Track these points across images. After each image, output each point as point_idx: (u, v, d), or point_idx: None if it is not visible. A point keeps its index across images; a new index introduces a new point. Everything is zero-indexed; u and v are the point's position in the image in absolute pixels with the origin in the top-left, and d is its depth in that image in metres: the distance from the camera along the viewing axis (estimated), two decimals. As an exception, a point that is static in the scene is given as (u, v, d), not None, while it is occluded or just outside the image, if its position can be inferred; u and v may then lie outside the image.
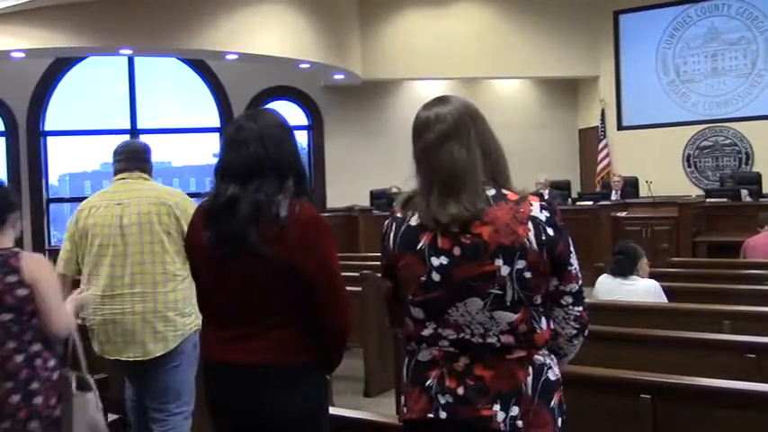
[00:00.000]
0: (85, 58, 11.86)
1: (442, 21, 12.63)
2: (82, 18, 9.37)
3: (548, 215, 1.84)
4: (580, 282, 1.91)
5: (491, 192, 1.85)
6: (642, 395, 2.85)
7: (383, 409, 4.53)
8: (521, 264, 1.80)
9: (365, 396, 5.60)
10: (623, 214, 10.05)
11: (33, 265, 2.82)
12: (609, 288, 4.70)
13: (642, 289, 4.63)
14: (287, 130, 2.21)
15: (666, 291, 4.70)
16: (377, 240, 2.04)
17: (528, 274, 1.81)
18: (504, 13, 12.94)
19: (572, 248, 1.89)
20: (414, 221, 1.89)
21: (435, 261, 1.84)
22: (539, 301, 1.85)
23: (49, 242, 11.77)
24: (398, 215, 1.94)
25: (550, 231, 1.83)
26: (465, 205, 1.81)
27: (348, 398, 5.39)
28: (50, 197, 12.32)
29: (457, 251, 1.83)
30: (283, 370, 2.09)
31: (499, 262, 1.80)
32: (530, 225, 1.81)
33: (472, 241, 1.81)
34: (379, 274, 2.09)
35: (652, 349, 3.71)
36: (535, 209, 1.84)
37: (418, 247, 1.87)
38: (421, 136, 1.90)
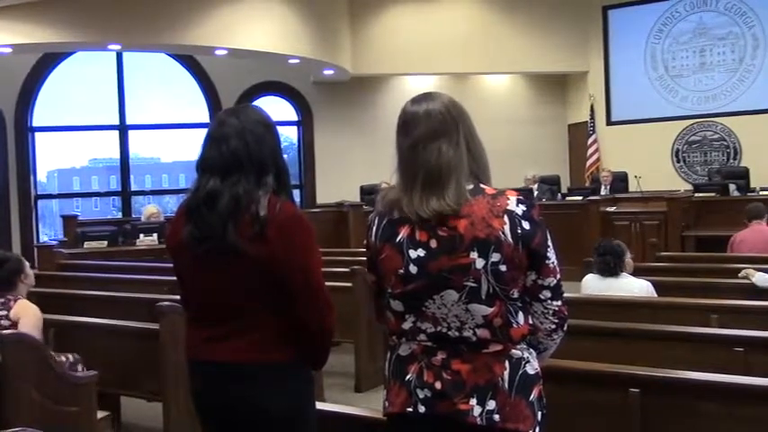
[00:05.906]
0: (74, 53, 11.78)
1: (432, 17, 12.63)
2: (70, 13, 9.31)
3: (524, 209, 1.84)
4: (558, 276, 1.91)
5: (469, 186, 1.86)
6: (631, 389, 2.86)
7: (373, 404, 4.49)
8: (495, 257, 1.81)
9: (355, 391, 5.61)
10: (612, 209, 10.10)
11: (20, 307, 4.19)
12: (599, 288, 4.63)
13: (637, 289, 4.59)
14: (269, 126, 2.19)
15: (654, 285, 4.71)
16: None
17: (503, 268, 1.81)
18: (494, 8, 12.95)
19: (550, 243, 1.89)
20: (395, 215, 1.91)
21: (413, 253, 1.86)
22: (515, 295, 1.86)
23: (38, 239, 11.65)
24: (381, 209, 1.95)
25: (526, 225, 1.83)
26: (447, 201, 1.82)
27: (338, 393, 5.40)
28: (38, 193, 12.22)
29: (434, 244, 1.84)
30: (266, 368, 2.08)
31: (474, 255, 1.81)
32: (505, 218, 1.82)
33: (448, 234, 1.83)
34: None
35: (640, 343, 3.73)
36: (512, 203, 1.84)
37: (397, 240, 1.88)
38: (408, 131, 1.90)
